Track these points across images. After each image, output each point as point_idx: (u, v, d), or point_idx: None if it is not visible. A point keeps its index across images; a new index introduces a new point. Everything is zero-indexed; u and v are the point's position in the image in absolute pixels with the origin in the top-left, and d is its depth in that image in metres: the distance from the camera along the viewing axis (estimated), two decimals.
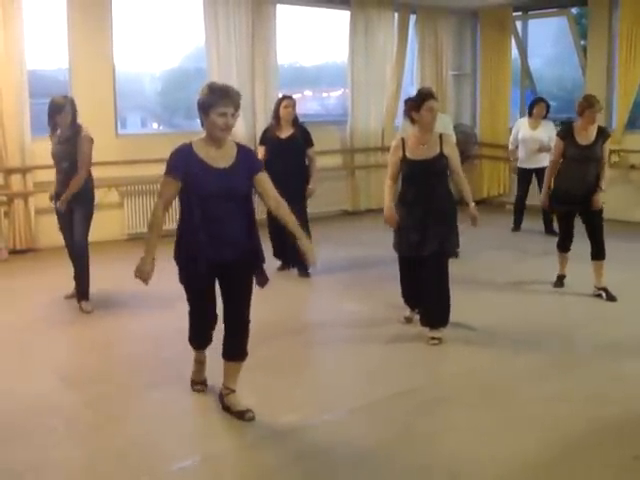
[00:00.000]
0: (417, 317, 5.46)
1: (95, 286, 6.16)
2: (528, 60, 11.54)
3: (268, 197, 3.89)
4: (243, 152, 3.91)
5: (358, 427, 3.91)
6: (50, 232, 7.94)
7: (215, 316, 4.12)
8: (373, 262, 7.63)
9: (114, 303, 6.22)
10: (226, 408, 4.05)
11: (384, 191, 5.32)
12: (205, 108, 3.72)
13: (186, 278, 3.96)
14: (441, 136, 5.18)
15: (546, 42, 12.66)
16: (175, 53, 10.40)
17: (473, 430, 3.90)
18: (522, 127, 9.19)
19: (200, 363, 4.35)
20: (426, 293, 5.21)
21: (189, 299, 4.08)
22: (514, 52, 11.45)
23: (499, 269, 7.44)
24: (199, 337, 4.25)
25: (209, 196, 3.74)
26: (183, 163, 3.75)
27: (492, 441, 3.77)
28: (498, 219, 10.05)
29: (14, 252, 8.06)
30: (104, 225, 8.49)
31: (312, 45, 10.94)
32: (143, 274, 3.76)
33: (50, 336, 5.49)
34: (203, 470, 3.53)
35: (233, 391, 4.05)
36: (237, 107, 3.76)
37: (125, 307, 6.13)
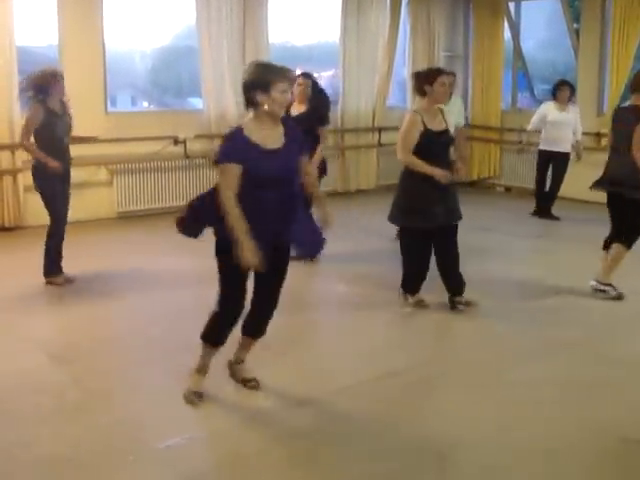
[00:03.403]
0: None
1: (83, 265, 6.13)
2: (521, 43, 11.50)
3: (307, 174, 3.92)
4: (290, 129, 3.81)
5: (344, 407, 3.92)
6: (38, 210, 7.92)
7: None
8: (367, 240, 7.66)
9: (102, 282, 6.19)
10: (232, 374, 4.21)
11: (414, 164, 5.20)
12: (264, 86, 3.58)
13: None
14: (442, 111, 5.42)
15: (539, 25, 12.61)
16: (166, 31, 10.30)
17: (462, 411, 3.93)
18: (550, 110, 8.96)
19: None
20: (452, 261, 5.47)
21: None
22: (507, 34, 11.40)
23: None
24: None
25: (266, 179, 3.64)
26: (239, 148, 3.61)
27: (480, 423, 3.80)
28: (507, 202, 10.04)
29: (2, 229, 8.03)
30: (93, 203, 8.47)
31: (304, 24, 10.86)
32: (252, 261, 3.57)
33: (37, 314, 5.49)
34: (189, 448, 3.53)
35: (243, 361, 4.20)
36: (292, 83, 3.86)
37: (112, 286, 6.10)
